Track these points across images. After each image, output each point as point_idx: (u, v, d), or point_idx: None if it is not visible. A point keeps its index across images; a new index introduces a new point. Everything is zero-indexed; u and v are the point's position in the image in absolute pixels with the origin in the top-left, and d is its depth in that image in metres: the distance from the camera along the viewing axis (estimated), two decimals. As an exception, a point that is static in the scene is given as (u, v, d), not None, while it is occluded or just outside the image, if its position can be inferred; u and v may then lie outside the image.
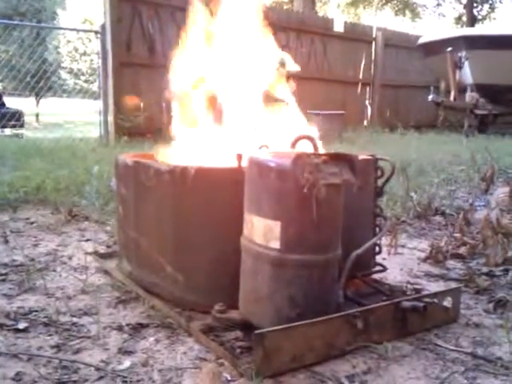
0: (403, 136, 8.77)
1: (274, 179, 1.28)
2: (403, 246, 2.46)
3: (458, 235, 2.45)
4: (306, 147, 1.41)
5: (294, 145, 1.44)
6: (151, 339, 1.42)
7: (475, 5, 23.74)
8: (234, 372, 1.24)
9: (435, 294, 1.54)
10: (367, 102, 11.22)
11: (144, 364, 1.28)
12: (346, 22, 11.11)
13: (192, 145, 1.89)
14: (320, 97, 9.15)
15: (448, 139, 8.54)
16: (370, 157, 1.75)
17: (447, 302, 1.54)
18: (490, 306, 1.71)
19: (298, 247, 1.29)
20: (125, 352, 1.35)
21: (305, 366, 1.26)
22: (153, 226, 1.67)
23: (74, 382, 1.20)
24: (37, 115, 15.21)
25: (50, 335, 1.43)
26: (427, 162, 5.07)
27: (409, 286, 1.82)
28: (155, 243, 1.65)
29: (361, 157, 1.71)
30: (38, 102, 14.64)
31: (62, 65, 18.27)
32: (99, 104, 7.59)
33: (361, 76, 11.05)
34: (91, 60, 18.97)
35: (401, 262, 2.20)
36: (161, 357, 1.32)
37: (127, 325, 1.50)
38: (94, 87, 9.69)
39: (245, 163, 1.41)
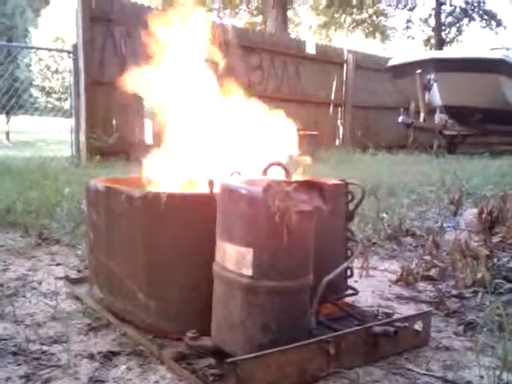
0: (374, 156, 8.90)
1: (245, 206, 1.29)
2: (374, 268, 2.48)
3: (427, 257, 2.48)
4: (277, 174, 1.43)
5: (265, 171, 1.45)
6: (123, 367, 1.40)
7: (443, 28, 24.44)
8: (207, 401, 1.23)
9: (406, 318, 1.55)
10: (339, 122, 11.38)
11: (115, 394, 1.27)
12: (317, 44, 11.33)
13: (165, 168, 1.89)
14: (293, 118, 9.23)
15: (418, 160, 8.68)
16: (340, 182, 1.77)
17: (418, 326, 1.56)
18: (460, 328, 1.74)
19: (271, 274, 1.30)
20: (96, 381, 1.33)
21: (278, 394, 1.26)
22: (124, 252, 1.65)
23: (43, 413, 1.18)
24: (7, 133, 14.98)
25: (18, 365, 1.40)
26: (398, 182, 5.14)
27: (380, 309, 1.83)
28: (126, 270, 1.64)
29: (331, 182, 1.74)
30: (8, 120, 14.43)
31: (34, 83, 18.07)
32: (71, 122, 7.54)
33: (333, 97, 11.22)
34: (63, 78, 18.78)
35: (372, 285, 2.22)
36: (132, 386, 1.31)
37: (98, 353, 1.48)
38: (66, 105, 9.60)
39: (216, 189, 1.42)
